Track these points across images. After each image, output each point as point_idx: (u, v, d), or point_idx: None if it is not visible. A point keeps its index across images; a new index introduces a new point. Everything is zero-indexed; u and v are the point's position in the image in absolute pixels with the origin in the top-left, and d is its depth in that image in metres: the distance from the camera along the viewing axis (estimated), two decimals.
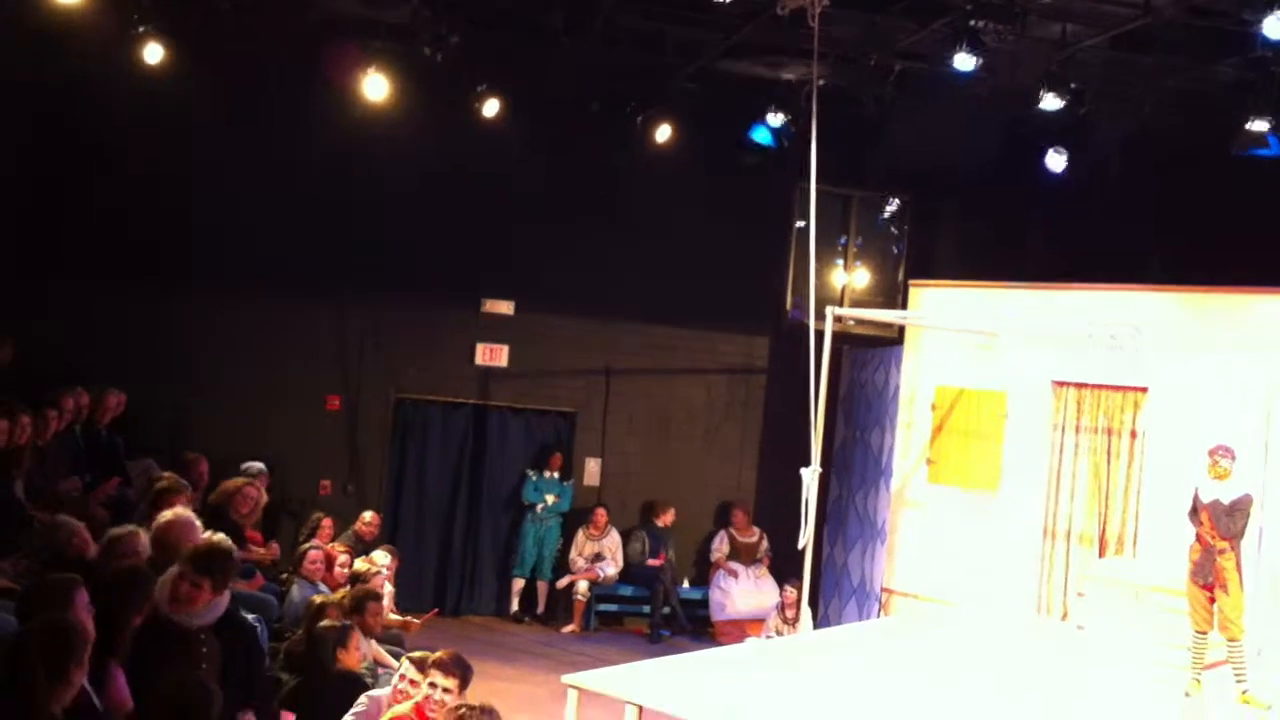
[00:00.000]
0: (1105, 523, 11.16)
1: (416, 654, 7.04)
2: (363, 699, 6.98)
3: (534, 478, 13.76)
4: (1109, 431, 11.19)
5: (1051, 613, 11.32)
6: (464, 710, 5.95)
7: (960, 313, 12.09)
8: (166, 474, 8.86)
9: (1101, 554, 11.11)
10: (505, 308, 13.83)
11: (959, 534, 11.80)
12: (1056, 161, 12.92)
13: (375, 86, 12.06)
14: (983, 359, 11.89)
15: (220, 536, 6.68)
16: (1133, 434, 11.04)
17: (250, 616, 7.41)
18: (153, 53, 11.57)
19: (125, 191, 12.39)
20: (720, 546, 14.01)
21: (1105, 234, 13.42)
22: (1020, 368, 11.65)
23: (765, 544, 14.00)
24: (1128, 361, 10.89)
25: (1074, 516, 11.34)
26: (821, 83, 11.28)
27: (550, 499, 13.69)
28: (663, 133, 13.24)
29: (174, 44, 11.67)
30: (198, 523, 7.16)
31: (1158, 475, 10.71)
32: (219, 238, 12.65)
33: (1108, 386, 11.17)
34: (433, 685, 6.47)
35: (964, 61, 10.82)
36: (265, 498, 10.25)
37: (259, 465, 10.88)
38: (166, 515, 7.08)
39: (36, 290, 12.02)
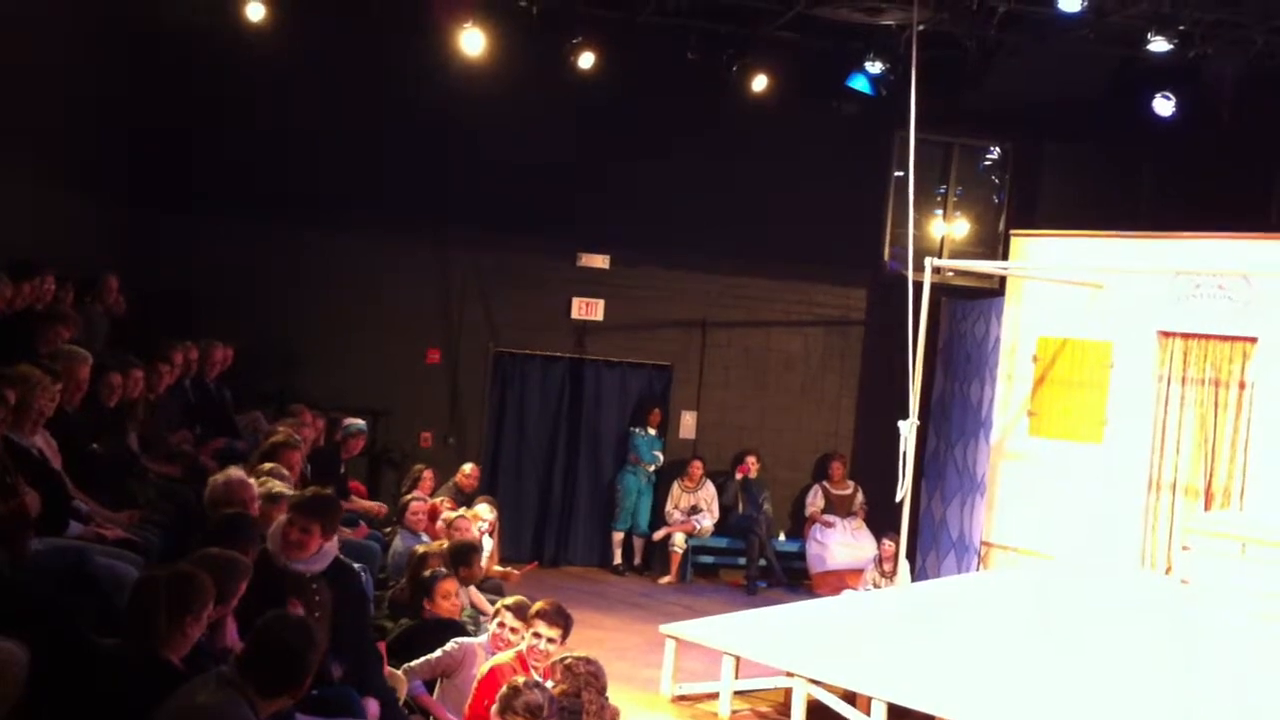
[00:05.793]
0: (1211, 475, 10.96)
1: (512, 600, 7.13)
2: (452, 643, 7.09)
3: (639, 434, 13.82)
4: (1216, 383, 10.95)
5: (1155, 566, 11.16)
6: (571, 660, 6.09)
7: (1063, 263, 11.87)
8: (282, 428, 8.98)
9: (1207, 507, 10.91)
10: (600, 261, 13.86)
11: (1061, 486, 11.64)
12: (1164, 107, 12.54)
13: (472, 40, 12.12)
14: (1087, 309, 11.67)
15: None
16: (1241, 385, 10.80)
17: (357, 565, 7.55)
18: (254, 11, 11.79)
19: (226, 151, 12.65)
20: (815, 500, 13.97)
21: (1218, 180, 12.98)
22: (1125, 318, 11.42)
23: (860, 497, 13.94)
24: (1236, 311, 10.62)
25: (1179, 469, 11.14)
26: (921, 27, 11.10)
27: (660, 456, 13.77)
28: (759, 82, 13.05)
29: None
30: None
31: (1266, 427, 10.48)
32: (323, 196, 12.86)
33: (1215, 337, 10.93)
34: (536, 635, 6.56)
35: (1069, 1, 10.56)
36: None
37: (360, 423, 11.09)
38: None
39: (148, 243, 12.31)
